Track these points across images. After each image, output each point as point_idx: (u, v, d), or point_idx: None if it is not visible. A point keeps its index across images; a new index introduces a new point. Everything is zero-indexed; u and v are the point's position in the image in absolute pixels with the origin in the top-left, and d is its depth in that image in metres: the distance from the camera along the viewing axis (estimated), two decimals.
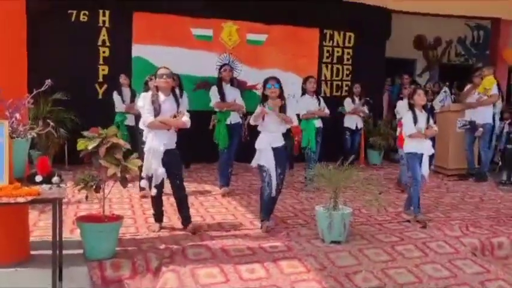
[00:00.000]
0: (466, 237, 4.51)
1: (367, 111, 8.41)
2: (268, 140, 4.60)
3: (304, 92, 6.75)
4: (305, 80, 6.80)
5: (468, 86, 7.77)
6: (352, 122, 8.30)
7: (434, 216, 5.32)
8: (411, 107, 5.12)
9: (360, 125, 8.36)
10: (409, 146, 5.12)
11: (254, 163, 4.65)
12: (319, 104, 6.68)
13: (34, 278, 3.26)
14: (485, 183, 7.32)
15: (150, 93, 4.43)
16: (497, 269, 4.00)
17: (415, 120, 5.04)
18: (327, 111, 6.72)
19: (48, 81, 3.21)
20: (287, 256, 3.90)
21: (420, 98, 5.06)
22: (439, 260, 4.06)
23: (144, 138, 4.46)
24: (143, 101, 4.37)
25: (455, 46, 12.06)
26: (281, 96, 4.68)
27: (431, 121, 5.17)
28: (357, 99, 8.33)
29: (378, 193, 4.63)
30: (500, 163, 8.07)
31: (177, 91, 6.64)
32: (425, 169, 5.05)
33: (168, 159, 4.34)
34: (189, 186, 6.17)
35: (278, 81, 4.64)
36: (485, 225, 4.96)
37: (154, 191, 4.36)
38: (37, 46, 6.10)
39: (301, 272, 3.68)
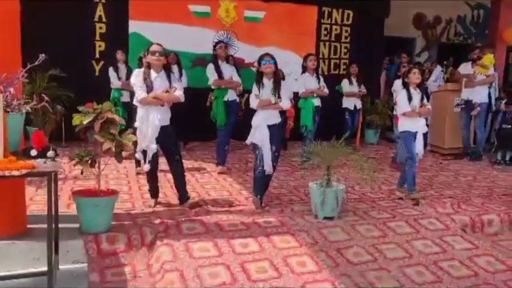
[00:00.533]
0: (457, 215, 4.59)
1: (364, 90, 8.39)
2: (265, 117, 4.60)
3: (304, 69, 6.76)
4: (305, 58, 6.80)
5: (465, 65, 7.71)
6: (350, 102, 8.28)
7: (427, 194, 5.40)
8: (406, 85, 5.13)
9: (359, 105, 8.35)
10: (403, 125, 5.15)
11: (248, 140, 4.67)
12: (319, 82, 6.68)
13: (30, 251, 3.32)
14: (480, 163, 7.38)
15: (142, 70, 4.43)
16: (486, 245, 4.09)
17: (409, 99, 5.05)
18: (326, 90, 6.73)
19: (41, 56, 3.20)
20: (280, 231, 3.97)
21: (415, 76, 5.06)
22: (429, 236, 4.14)
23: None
24: (135, 78, 4.37)
25: (454, 25, 11.97)
26: (276, 72, 4.68)
27: (425, 100, 5.19)
28: (354, 80, 8.30)
29: (372, 171, 4.68)
30: (495, 143, 8.10)
31: (176, 69, 6.70)
32: (419, 147, 5.09)
33: (163, 135, 4.37)
34: (186, 164, 6.19)
35: (272, 57, 4.61)
36: (476, 203, 5.03)
37: (147, 167, 4.40)
38: (33, 22, 6.07)
39: (294, 246, 3.75)
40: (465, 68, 7.69)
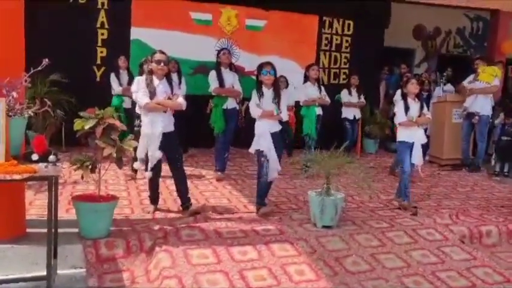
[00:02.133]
0: (455, 225, 4.60)
1: (363, 100, 8.42)
2: (268, 125, 4.63)
3: (306, 79, 6.83)
4: (308, 67, 6.88)
5: (470, 78, 7.69)
6: (350, 112, 8.31)
7: (426, 204, 5.39)
8: (404, 95, 5.17)
9: (358, 115, 8.38)
10: (401, 135, 5.17)
11: (252, 149, 4.66)
12: (320, 92, 6.76)
13: (29, 255, 3.32)
14: (478, 174, 7.38)
15: (143, 77, 4.45)
16: (484, 256, 4.10)
17: (407, 109, 5.08)
18: (327, 99, 6.84)
19: (45, 60, 3.23)
20: (279, 239, 3.97)
21: (413, 86, 5.10)
22: (428, 246, 4.15)
23: (139, 123, 4.49)
24: (137, 85, 4.39)
25: (454, 37, 12.04)
26: (275, 83, 4.71)
27: (425, 109, 5.21)
28: (353, 91, 8.34)
29: (371, 180, 4.69)
30: (494, 155, 8.12)
31: (176, 77, 6.73)
32: (417, 158, 5.09)
33: (167, 142, 4.38)
34: (186, 170, 6.20)
35: (273, 67, 4.63)
36: (474, 214, 5.04)
37: (149, 174, 4.41)
38: (36, 27, 6.09)
39: (292, 255, 3.75)
40: (469, 81, 7.64)
